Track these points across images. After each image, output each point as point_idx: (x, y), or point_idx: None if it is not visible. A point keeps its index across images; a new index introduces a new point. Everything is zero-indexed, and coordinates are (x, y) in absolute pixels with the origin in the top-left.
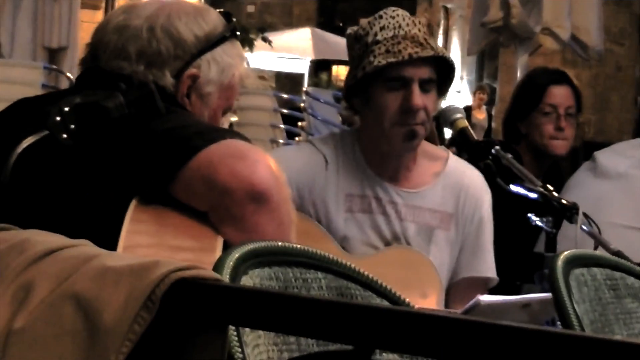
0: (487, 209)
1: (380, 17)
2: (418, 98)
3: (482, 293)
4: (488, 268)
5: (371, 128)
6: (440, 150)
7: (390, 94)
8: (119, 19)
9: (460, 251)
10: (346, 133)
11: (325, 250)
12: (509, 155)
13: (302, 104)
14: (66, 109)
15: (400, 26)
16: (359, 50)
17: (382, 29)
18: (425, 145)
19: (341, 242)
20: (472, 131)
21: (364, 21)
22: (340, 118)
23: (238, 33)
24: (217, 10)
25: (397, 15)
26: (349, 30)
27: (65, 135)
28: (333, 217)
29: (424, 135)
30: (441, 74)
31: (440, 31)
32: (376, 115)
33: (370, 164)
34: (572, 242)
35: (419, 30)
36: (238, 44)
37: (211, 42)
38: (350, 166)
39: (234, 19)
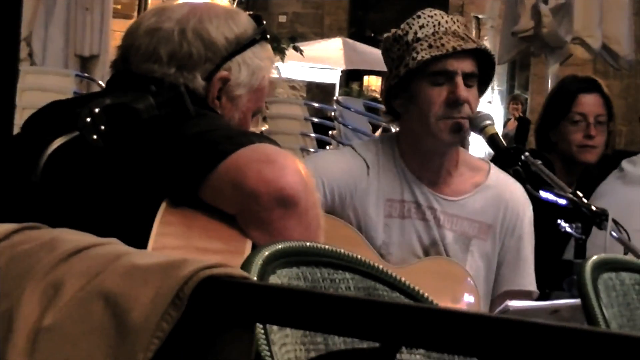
0: (528, 222)
1: (419, 16)
2: (463, 91)
3: None
4: (529, 282)
5: (415, 126)
6: (481, 161)
7: (435, 88)
8: (150, 22)
9: (502, 265)
10: (386, 138)
11: (362, 256)
12: (538, 162)
13: (332, 113)
14: (96, 110)
15: (439, 23)
16: (398, 50)
17: (421, 27)
18: (467, 156)
19: (380, 248)
20: (501, 138)
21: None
22: (370, 127)
23: (268, 36)
24: (247, 13)
25: (435, 14)
26: (386, 34)
27: (95, 137)
28: (373, 222)
29: (469, 130)
30: (481, 70)
31: None
32: (421, 111)
33: (409, 167)
34: (601, 249)
35: (458, 27)
36: (268, 46)
37: (241, 45)
38: (390, 171)
39: (264, 22)
